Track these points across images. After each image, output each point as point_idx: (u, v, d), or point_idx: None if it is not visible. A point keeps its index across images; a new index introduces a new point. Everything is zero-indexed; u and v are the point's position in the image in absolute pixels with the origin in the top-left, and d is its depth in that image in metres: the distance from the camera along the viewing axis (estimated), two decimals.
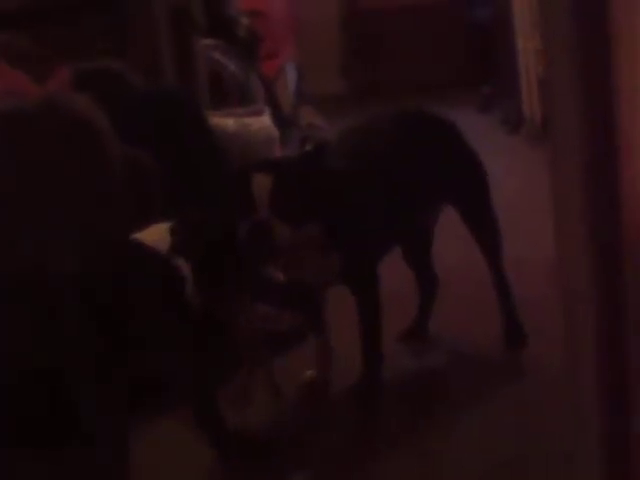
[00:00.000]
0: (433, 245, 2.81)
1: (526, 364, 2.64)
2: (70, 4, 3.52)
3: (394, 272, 2.67)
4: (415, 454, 2.22)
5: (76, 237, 2.34)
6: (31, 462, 1.90)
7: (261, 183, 2.23)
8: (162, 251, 2.10)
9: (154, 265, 2.09)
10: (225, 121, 3.12)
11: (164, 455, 2.26)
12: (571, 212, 1.34)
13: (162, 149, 2.63)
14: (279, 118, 3.57)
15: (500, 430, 2.28)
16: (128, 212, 2.49)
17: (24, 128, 2.46)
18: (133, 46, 3.57)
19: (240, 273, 2.23)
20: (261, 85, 4.66)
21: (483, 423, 2.33)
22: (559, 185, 1.37)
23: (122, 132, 2.54)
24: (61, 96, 2.63)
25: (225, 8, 4.67)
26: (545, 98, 3.97)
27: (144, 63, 3.46)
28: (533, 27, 4.85)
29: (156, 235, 2.13)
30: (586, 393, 1.39)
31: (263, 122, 3.22)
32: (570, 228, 1.36)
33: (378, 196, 2.45)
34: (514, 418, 2.34)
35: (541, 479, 2.09)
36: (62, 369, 1.87)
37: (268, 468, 2.21)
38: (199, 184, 2.72)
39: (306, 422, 2.43)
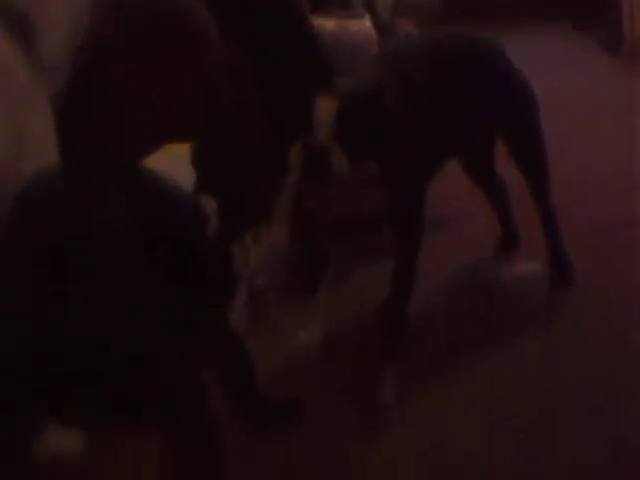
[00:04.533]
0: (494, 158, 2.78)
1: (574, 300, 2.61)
2: None
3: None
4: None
5: None
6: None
7: (326, 107, 2.25)
8: (183, 187, 1.93)
9: (179, 207, 1.86)
10: (325, 22, 3.13)
11: None
12: None
13: (261, 46, 2.64)
14: (377, 25, 3.56)
15: (541, 367, 2.30)
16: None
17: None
18: None
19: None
20: None
21: (518, 362, 2.34)
22: None
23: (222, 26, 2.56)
24: None
25: None
26: None
27: None
28: None
29: (173, 164, 1.97)
30: None
31: (363, 24, 3.23)
32: None
33: (430, 129, 2.43)
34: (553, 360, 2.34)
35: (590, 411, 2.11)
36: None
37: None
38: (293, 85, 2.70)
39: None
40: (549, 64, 4.82)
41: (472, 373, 2.30)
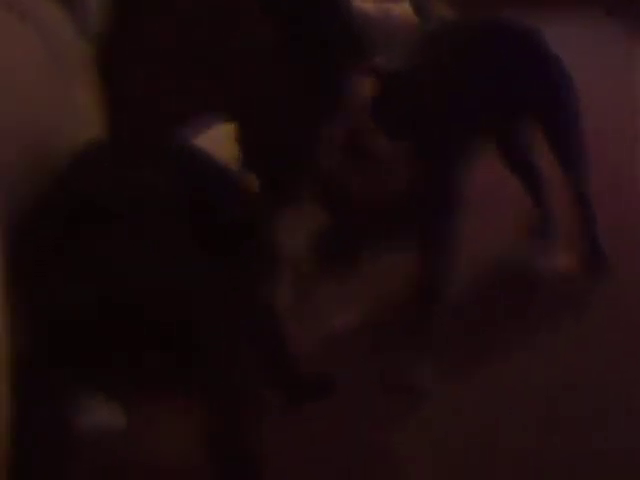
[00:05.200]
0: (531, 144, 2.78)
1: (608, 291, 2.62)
2: None
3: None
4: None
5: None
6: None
7: (363, 87, 2.27)
8: (229, 164, 1.96)
9: (227, 185, 1.91)
10: (365, 5, 3.14)
11: None
12: None
13: (297, 25, 2.65)
14: (418, 8, 3.57)
15: (573, 358, 2.31)
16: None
17: None
18: None
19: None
20: None
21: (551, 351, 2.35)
22: None
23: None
24: None
25: None
26: None
27: None
28: None
29: (218, 142, 1.99)
30: None
31: (403, 8, 3.23)
32: None
33: (466, 110, 2.44)
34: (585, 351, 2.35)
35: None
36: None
37: None
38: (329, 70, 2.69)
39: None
40: (582, 51, 4.84)
41: (503, 363, 2.32)
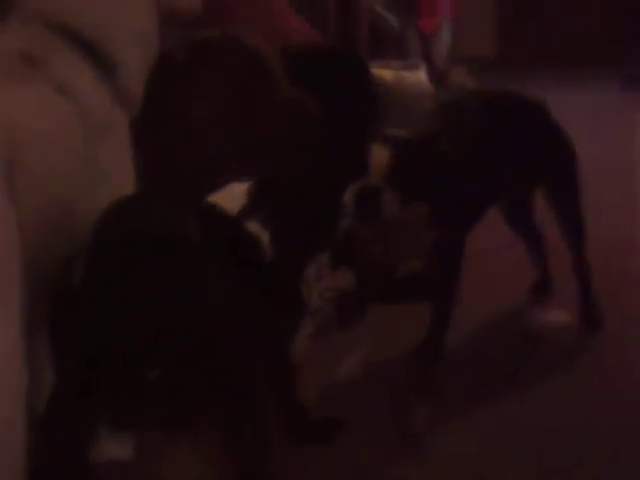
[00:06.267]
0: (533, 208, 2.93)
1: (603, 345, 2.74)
2: None
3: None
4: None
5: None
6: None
7: (379, 154, 2.37)
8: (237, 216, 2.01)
9: (227, 233, 1.97)
10: (383, 72, 3.27)
11: None
12: None
13: (326, 95, 2.74)
14: (433, 76, 3.71)
15: (566, 414, 2.38)
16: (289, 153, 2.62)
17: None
18: None
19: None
20: (418, 41, 4.80)
21: (543, 403, 2.43)
22: None
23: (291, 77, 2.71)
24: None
25: None
26: None
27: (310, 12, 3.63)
28: None
29: (233, 198, 2.05)
30: None
31: (419, 77, 3.35)
32: None
33: (480, 177, 2.56)
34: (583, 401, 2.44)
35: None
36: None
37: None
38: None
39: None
40: (596, 122, 4.95)
41: (500, 410, 2.41)
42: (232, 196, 2.04)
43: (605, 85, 5.76)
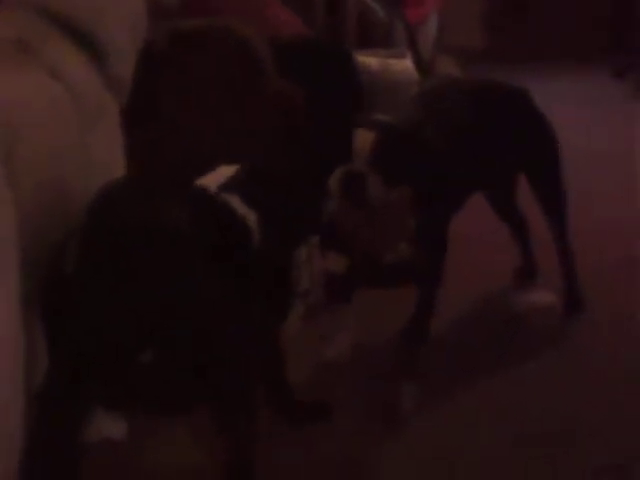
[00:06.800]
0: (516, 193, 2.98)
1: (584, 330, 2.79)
2: None
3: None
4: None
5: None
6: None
7: (363, 138, 2.41)
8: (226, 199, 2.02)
9: (216, 217, 1.97)
10: (369, 60, 3.30)
11: None
12: None
13: (311, 84, 2.78)
14: (419, 64, 3.75)
15: (550, 395, 2.43)
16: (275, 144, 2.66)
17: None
18: None
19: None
20: (404, 31, 4.82)
21: (527, 388, 2.47)
22: None
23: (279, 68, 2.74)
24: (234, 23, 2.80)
25: None
26: None
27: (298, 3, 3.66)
28: None
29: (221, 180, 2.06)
30: None
31: (405, 65, 3.38)
32: None
33: (463, 164, 2.60)
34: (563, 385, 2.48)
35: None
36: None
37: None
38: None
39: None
40: (585, 109, 4.98)
41: (485, 392, 2.45)
42: (220, 179, 2.06)
43: (594, 75, 5.79)
